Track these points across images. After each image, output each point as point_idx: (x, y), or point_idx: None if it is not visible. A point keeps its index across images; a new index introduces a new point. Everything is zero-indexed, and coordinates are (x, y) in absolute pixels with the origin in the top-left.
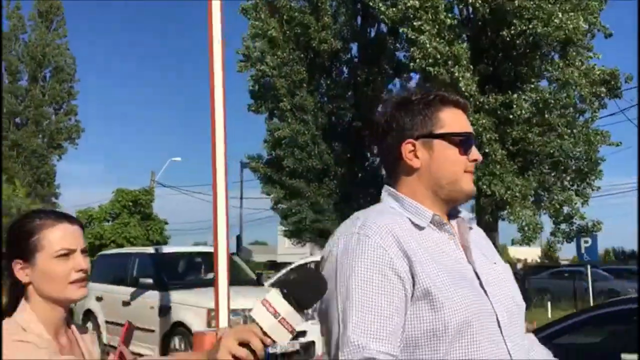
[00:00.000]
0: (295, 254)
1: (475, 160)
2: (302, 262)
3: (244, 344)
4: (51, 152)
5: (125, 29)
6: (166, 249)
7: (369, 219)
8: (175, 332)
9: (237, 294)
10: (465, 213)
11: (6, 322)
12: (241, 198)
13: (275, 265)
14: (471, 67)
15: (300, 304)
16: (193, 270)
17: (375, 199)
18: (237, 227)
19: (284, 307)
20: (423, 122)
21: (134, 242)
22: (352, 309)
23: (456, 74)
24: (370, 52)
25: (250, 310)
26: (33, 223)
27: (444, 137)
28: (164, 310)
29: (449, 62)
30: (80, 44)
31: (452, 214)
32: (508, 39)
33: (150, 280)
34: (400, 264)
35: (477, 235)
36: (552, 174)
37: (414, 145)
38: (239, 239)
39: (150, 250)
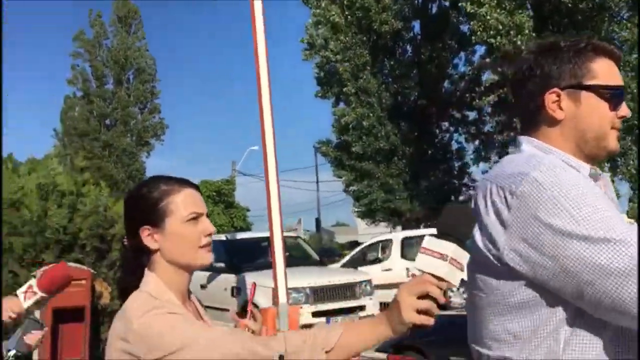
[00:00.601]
0: (374, 233)
1: (623, 116)
2: (373, 241)
3: (422, 297)
4: (139, 149)
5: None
6: (238, 236)
7: (544, 159)
8: (246, 310)
9: (301, 273)
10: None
11: (136, 296)
12: (317, 182)
13: (356, 245)
14: (534, 35)
15: (459, 238)
16: (261, 254)
17: (448, 174)
18: (315, 210)
19: (448, 247)
20: (572, 71)
21: (219, 230)
22: (588, 218)
23: (519, 44)
24: (432, 29)
25: (316, 288)
26: (159, 189)
27: (594, 89)
28: (236, 290)
29: (511, 33)
30: (157, 43)
31: None
32: (570, 4)
33: (222, 264)
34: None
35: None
36: (629, 138)
37: (558, 95)
38: (317, 221)
39: (223, 237)
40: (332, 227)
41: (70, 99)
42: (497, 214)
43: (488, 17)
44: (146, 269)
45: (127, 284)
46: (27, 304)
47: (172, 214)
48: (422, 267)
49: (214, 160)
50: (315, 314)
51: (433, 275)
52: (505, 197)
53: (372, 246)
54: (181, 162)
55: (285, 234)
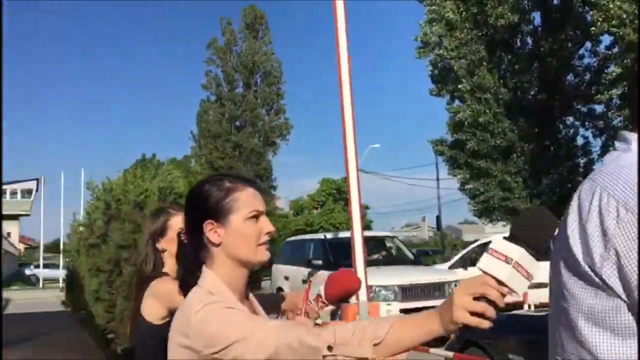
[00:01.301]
0: (502, 232)
1: None
2: (484, 241)
3: (478, 298)
4: (266, 149)
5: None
6: (333, 236)
7: None
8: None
9: (392, 271)
10: None
11: (194, 292)
12: (437, 179)
13: (483, 244)
14: None
15: (530, 245)
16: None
17: (572, 172)
18: (436, 208)
19: (515, 251)
20: None
21: (339, 227)
22: None
23: None
24: (554, 19)
25: (405, 286)
26: (224, 185)
27: None
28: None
29: (636, 22)
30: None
31: None
32: None
33: (320, 262)
34: None
35: None
36: None
37: None
38: (438, 219)
39: (321, 236)
40: (459, 225)
41: (205, 102)
42: (602, 224)
43: (610, 6)
44: (204, 266)
45: (188, 279)
46: (321, 312)
47: (236, 211)
48: (484, 267)
49: (336, 157)
50: (404, 312)
51: (494, 278)
52: (617, 210)
53: (484, 246)
54: (306, 160)
55: (381, 233)
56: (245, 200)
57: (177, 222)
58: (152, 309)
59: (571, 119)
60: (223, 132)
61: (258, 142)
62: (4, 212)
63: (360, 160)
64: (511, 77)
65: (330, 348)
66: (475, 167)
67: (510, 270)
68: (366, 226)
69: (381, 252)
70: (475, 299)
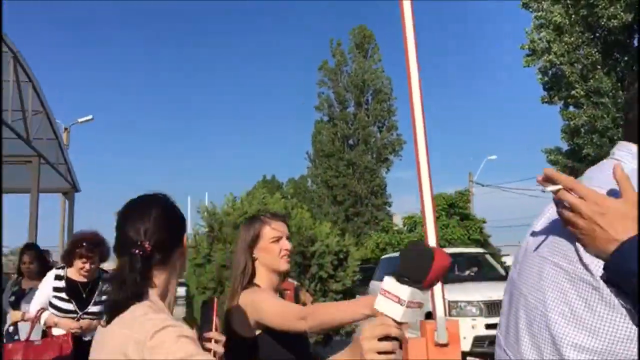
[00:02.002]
0: None
1: None
2: None
3: (383, 338)
4: (379, 165)
5: None
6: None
7: None
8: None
9: (479, 287)
10: None
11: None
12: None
13: None
14: None
15: (416, 280)
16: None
17: None
18: None
19: (404, 291)
20: None
21: (453, 242)
22: None
23: None
24: None
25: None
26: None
27: None
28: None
29: None
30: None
31: None
32: None
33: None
34: None
35: None
36: None
37: None
38: None
39: None
40: None
41: (318, 123)
42: None
43: None
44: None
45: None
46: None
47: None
48: (381, 309)
49: (450, 172)
50: (489, 327)
51: (392, 318)
52: None
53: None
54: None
55: (472, 250)
56: (269, 230)
57: (270, 229)
58: (240, 321)
59: None
60: (336, 151)
61: (371, 159)
62: None
63: (477, 173)
64: (629, 79)
65: None
66: None
67: (403, 310)
68: (484, 241)
69: (472, 268)
70: (381, 338)
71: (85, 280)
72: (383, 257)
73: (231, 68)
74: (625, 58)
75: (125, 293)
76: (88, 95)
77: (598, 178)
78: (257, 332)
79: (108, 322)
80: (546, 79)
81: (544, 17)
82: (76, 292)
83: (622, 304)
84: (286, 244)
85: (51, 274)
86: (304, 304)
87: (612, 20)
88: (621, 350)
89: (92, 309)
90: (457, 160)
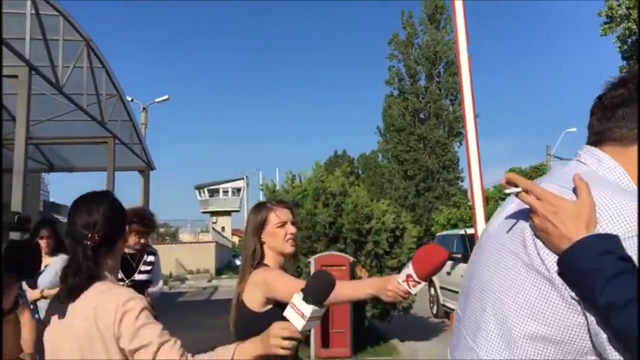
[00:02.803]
0: None
1: None
2: None
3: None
4: (451, 140)
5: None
6: (471, 231)
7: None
8: None
9: None
10: None
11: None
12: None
13: None
14: None
15: (318, 301)
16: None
17: None
18: None
19: (308, 309)
20: None
21: None
22: None
23: None
24: None
25: None
26: (265, 208)
27: None
28: None
29: None
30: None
31: None
32: None
33: (459, 255)
34: None
35: None
36: None
37: None
38: None
39: (462, 232)
40: None
41: (389, 97)
42: None
43: None
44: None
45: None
46: (414, 291)
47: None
48: (289, 317)
49: (525, 145)
50: None
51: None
52: None
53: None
54: (493, 149)
55: None
56: (274, 216)
57: (275, 216)
58: (252, 298)
59: None
60: (407, 125)
61: (443, 133)
62: (220, 209)
63: (555, 146)
64: None
65: None
66: None
67: (304, 322)
68: None
69: None
70: (284, 338)
71: (132, 251)
72: (438, 234)
73: (306, 45)
74: None
75: (82, 276)
76: (165, 76)
77: (559, 175)
78: (269, 307)
79: (67, 300)
80: (625, 47)
81: None
82: (123, 260)
83: (572, 296)
84: (291, 229)
85: None
86: (360, 279)
87: None
88: (573, 337)
89: (139, 277)
90: (535, 134)
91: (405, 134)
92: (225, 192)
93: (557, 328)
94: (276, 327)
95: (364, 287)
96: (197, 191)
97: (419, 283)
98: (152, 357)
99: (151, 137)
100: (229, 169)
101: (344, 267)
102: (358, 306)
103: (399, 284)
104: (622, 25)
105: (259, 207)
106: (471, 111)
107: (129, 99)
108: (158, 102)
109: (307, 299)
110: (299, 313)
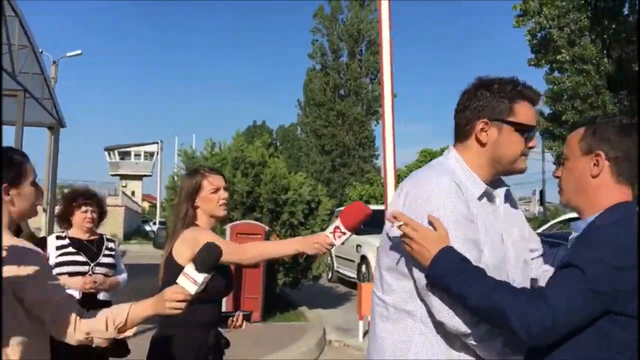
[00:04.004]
0: None
1: (532, 147)
2: (564, 217)
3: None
4: (369, 118)
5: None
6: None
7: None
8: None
9: None
10: (504, 185)
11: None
12: (542, 152)
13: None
14: None
15: (208, 270)
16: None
17: None
18: (540, 183)
19: (200, 277)
20: (499, 108)
21: None
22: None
23: None
24: None
25: None
26: (199, 174)
27: (513, 125)
28: (358, 247)
29: None
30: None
31: (496, 184)
32: None
33: (369, 228)
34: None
35: (512, 203)
36: None
37: (486, 124)
38: (541, 193)
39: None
40: None
41: (311, 71)
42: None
43: None
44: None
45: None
46: (338, 242)
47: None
48: (182, 284)
49: (437, 128)
50: None
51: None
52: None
53: (565, 222)
54: (408, 130)
55: None
56: (208, 182)
57: (209, 182)
58: (180, 252)
59: None
60: (327, 100)
61: (361, 110)
62: (131, 173)
63: None
64: (615, 47)
65: (88, 334)
66: None
67: (196, 288)
68: None
69: None
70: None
71: (89, 236)
72: (337, 209)
73: (227, 12)
74: (614, 26)
75: None
76: (78, 31)
77: (423, 171)
78: None
79: None
80: (535, 41)
81: None
82: (83, 246)
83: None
84: (224, 194)
85: (52, 236)
86: None
87: None
88: (405, 302)
89: (105, 260)
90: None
91: (325, 109)
92: (138, 155)
93: (395, 295)
94: (169, 292)
95: (290, 243)
96: (107, 153)
97: (344, 234)
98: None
99: (61, 93)
100: (143, 132)
101: (259, 236)
102: (270, 274)
103: (326, 236)
104: (533, 20)
105: (193, 173)
106: (389, 93)
107: (40, 50)
108: (70, 56)
109: (198, 268)
110: (192, 280)
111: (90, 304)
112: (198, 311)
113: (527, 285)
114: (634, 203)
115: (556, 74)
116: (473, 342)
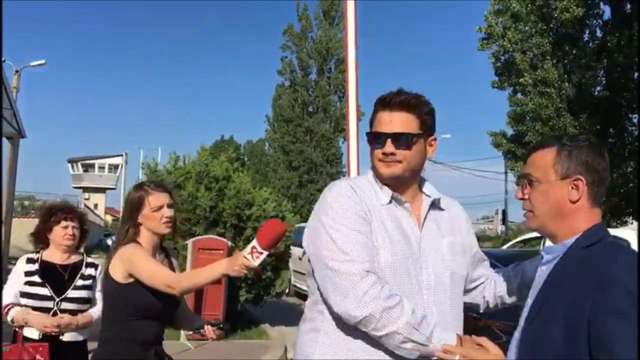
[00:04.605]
0: None
1: (385, 152)
2: (526, 237)
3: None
4: (337, 135)
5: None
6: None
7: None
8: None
9: None
10: (437, 194)
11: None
12: (505, 173)
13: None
14: None
15: (269, 248)
16: None
17: (636, 171)
18: (503, 202)
19: (264, 253)
20: (370, 123)
21: None
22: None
23: None
24: (625, 14)
25: None
26: (142, 190)
27: (368, 135)
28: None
29: None
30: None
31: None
32: None
33: None
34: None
35: (447, 213)
36: None
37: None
38: (504, 213)
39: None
40: None
41: (280, 88)
42: None
43: None
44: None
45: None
46: (256, 262)
47: (148, 205)
48: (247, 256)
49: None
50: None
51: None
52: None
53: (527, 242)
54: None
55: None
56: (151, 199)
57: (152, 200)
58: (117, 270)
59: (637, 117)
60: (295, 117)
61: (329, 128)
62: (94, 185)
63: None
64: (576, 72)
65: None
66: None
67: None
68: None
69: None
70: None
71: (66, 258)
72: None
73: (197, 25)
74: (574, 51)
75: None
76: (42, 40)
77: (315, 209)
78: (130, 280)
79: None
80: (498, 64)
81: (503, 3)
82: (53, 274)
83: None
84: (167, 212)
85: (22, 258)
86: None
87: (565, 13)
88: (318, 302)
89: (72, 293)
90: None
91: (293, 125)
92: (102, 168)
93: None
94: (240, 258)
95: (216, 268)
96: (70, 165)
97: (261, 254)
98: None
99: (22, 104)
100: (107, 144)
101: (222, 251)
102: (232, 290)
103: (245, 257)
104: (497, 43)
105: (137, 189)
106: (354, 111)
107: (3, 59)
108: (33, 65)
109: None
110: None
111: (52, 346)
112: (138, 328)
113: (441, 290)
114: (604, 224)
115: (519, 96)
116: (374, 333)
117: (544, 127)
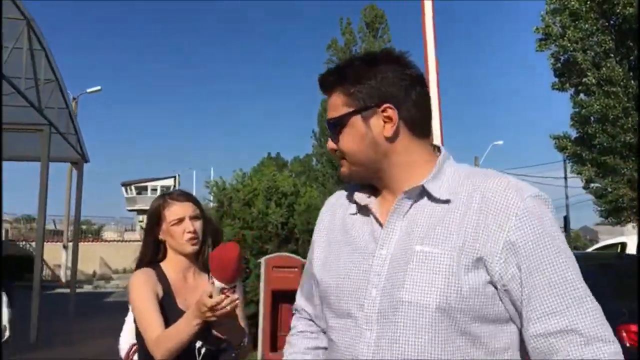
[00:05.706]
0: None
1: (330, 148)
2: (609, 242)
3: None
4: None
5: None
6: None
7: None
8: None
9: None
10: (446, 192)
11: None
12: (565, 177)
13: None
14: None
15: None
16: None
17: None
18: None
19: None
20: None
21: None
22: None
23: None
24: None
25: None
26: (161, 201)
27: None
28: None
29: None
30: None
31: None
32: None
33: None
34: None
35: (426, 214)
36: None
37: None
38: (565, 220)
39: None
40: (595, 226)
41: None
42: None
43: None
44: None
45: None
46: (236, 296)
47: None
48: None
49: (459, 154)
50: None
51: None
52: None
53: (605, 248)
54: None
55: None
56: (171, 211)
57: (170, 211)
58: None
59: None
60: None
61: None
62: (147, 208)
63: (482, 158)
64: None
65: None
66: (602, 164)
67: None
68: None
69: None
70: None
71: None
72: None
73: (244, 45)
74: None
75: None
76: (97, 67)
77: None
78: None
79: None
80: (558, 65)
81: (560, 1)
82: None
83: None
84: (189, 226)
85: None
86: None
87: (628, 8)
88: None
89: None
90: (465, 145)
91: None
92: (154, 190)
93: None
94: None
95: (188, 324)
96: (123, 188)
97: (233, 288)
98: None
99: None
100: (159, 167)
101: (296, 269)
102: None
103: (216, 302)
104: (556, 43)
105: (156, 200)
106: (437, 115)
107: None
108: (90, 92)
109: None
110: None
111: None
112: None
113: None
114: None
115: (582, 96)
116: None
117: (613, 128)
